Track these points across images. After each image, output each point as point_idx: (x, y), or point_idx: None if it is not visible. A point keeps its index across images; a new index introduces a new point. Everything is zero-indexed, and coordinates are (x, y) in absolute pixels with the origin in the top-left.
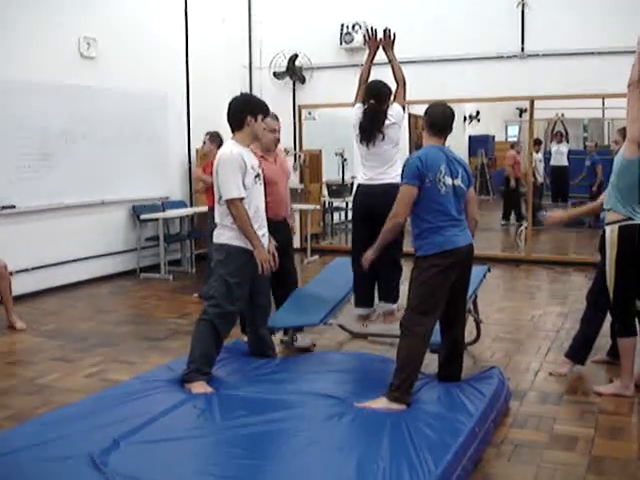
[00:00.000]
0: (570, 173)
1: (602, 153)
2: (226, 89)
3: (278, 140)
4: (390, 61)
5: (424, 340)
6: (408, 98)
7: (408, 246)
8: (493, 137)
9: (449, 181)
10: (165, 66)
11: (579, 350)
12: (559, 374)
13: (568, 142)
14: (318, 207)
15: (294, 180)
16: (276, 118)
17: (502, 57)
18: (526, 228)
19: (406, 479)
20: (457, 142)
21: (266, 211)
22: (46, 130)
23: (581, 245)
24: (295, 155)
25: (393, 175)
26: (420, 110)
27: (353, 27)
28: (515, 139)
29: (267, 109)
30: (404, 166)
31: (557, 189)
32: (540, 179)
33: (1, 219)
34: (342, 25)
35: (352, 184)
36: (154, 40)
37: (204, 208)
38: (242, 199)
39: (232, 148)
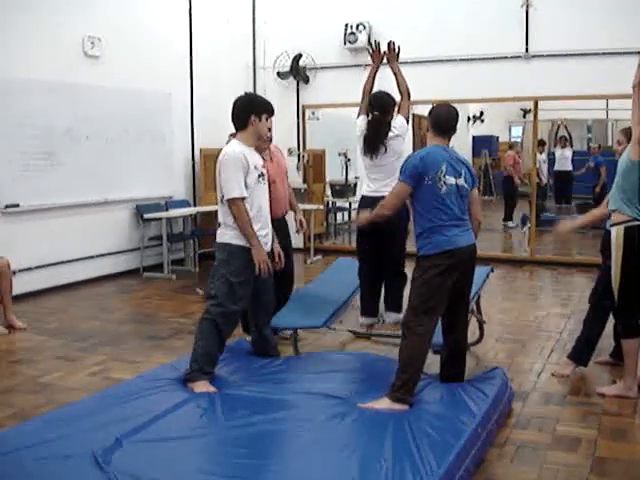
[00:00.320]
0: (574, 177)
1: (606, 154)
2: (230, 89)
3: (270, 139)
4: (394, 74)
5: (426, 340)
6: (412, 98)
7: (411, 247)
8: (497, 138)
9: (451, 180)
10: (169, 66)
11: (582, 351)
12: (562, 375)
13: (572, 146)
14: (321, 207)
15: (297, 180)
16: None
17: (506, 57)
18: (529, 229)
19: (409, 479)
20: (461, 143)
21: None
22: (50, 129)
23: (584, 246)
24: (299, 155)
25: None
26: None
27: (357, 27)
28: (519, 140)
29: (271, 109)
30: (404, 162)
31: (561, 193)
32: (544, 180)
33: (5, 218)
34: (346, 25)
35: (355, 184)
36: (158, 40)
37: (207, 207)
38: (243, 199)
39: (235, 147)
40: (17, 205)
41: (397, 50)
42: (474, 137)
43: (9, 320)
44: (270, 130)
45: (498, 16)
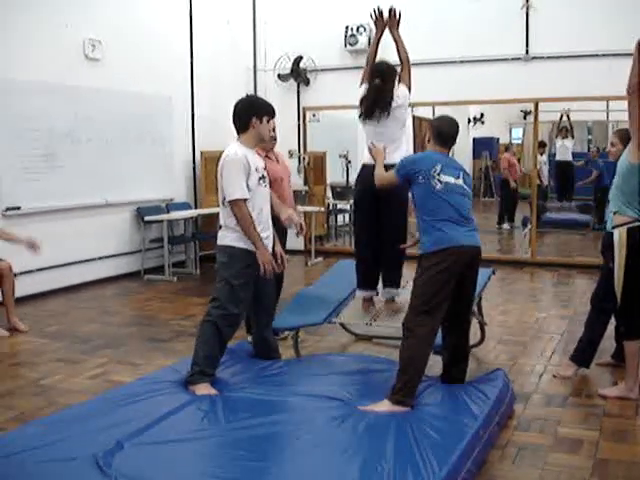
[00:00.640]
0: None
1: (604, 156)
2: (230, 91)
3: (275, 139)
4: (395, 40)
5: (427, 341)
6: (412, 100)
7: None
8: (497, 139)
9: (447, 179)
10: (170, 68)
11: (584, 353)
12: (563, 377)
13: (573, 137)
14: (322, 209)
15: (298, 182)
16: None
17: (506, 59)
18: (530, 230)
19: None
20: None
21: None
22: (51, 131)
23: (585, 247)
24: (299, 157)
25: (397, 157)
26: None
27: (357, 29)
28: (519, 141)
29: (273, 111)
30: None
31: (562, 187)
32: (545, 181)
33: (6, 220)
34: (346, 27)
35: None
36: (159, 42)
37: (208, 210)
38: (245, 200)
39: (236, 149)
40: (18, 208)
41: (398, 16)
42: (474, 139)
43: (12, 323)
44: (274, 130)
45: (498, 18)
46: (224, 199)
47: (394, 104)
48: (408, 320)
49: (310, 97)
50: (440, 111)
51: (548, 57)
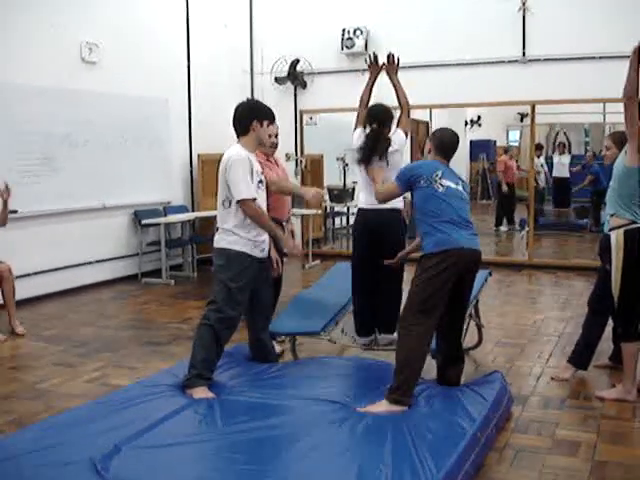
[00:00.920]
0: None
1: (600, 159)
2: (228, 94)
3: (276, 145)
4: (394, 86)
5: (423, 340)
6: (410, 103)
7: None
8: (494, 142)
9: (448, 184)
10: (167, 71)
11: (581, 355)
12: (561, 379)
13: (570, 152)
14: (319, 212)
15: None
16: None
17: (503, 62)
18: (527, 233)
19: None
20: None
21: (271, 211)
22: (48, 135)
23: (583, 250)
24: (296, 160)
25: (395, 201)
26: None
27: (354, 32)
28: (516, 144)
29: (273, 115)
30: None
31: (559, 199)
32: (542, 184)
33: None
34: (343, 30)
35: (353, 189)
36: (156, 45)
37: (206, 213)
38: (254, 200)
39: (239, 151)
40: (15, 211)
41: (396, 62)
42: (472, 141)
43: (13, 325)
44: (277, 136)
45: (495, 20)
46: (224, 200)
47: (391, 149)
48: (404, 319)
49: (307, 100)
50: (437, 113)
51: (545, 59)
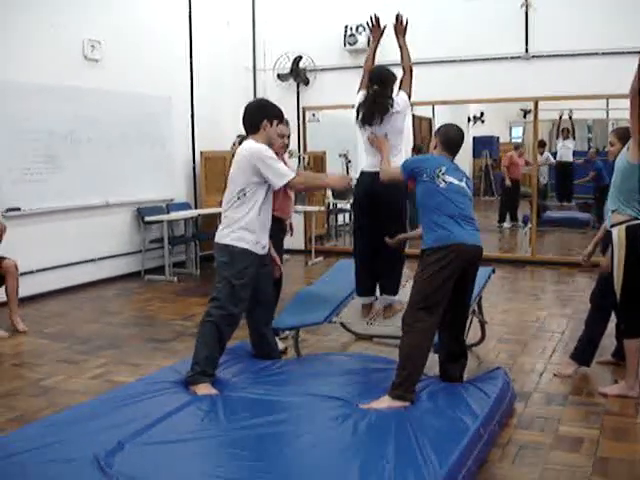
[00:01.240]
0: (575, 172)
1: (603, 154)
2: (230, 91)
3: (287, 146)
4: (400, 47)
5: (426, 336)
6: (412, 99)
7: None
8: (497, 138)
9: (451, 179)
10: (170, 69)
11: (584, 352)
12: (564, 375)
13: (574, 138)
14: (322, 209)
15: None
16: (287, 124)
17: (506, 58)
18: (530, 229)
19: None
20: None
21: (275, 210)
22: (51, 132)
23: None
24: (299, 157)
25: (396, 163)
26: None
27: (357, 29)
28: (519, 140)
29: (282, 115)
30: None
31: (562, 187)
32: (543, 180)
33: (6, 222)
34: (346, 27)
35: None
36: (158, 43)
37: (209, 210)
38: (295, 177)
39: (258, 143)
40: (18, 209)
41: (405, 23)
42: (474, 138)
43: (14, 322)
44: (288, 137)
45: (498, 17)
46: (240, 191)
47: (393, 110)
48: (407, 316)
49: (310, 97)
50: (440, 110)
51: (548, 56)
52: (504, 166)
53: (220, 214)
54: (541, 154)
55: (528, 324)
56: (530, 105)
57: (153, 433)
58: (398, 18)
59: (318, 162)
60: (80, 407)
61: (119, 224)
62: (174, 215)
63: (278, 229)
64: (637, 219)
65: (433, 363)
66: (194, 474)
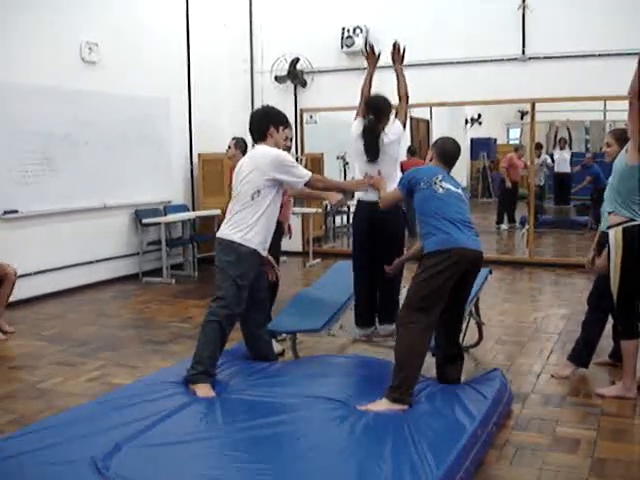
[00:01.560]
0: (573, 179)
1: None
2: (228, 93)
3: (289, 148)
4: (397, 75)
5: (421, 338)
6: (410, 101)
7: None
8: (495, 140)
9: (448, 186)
10: (167, 71)
11: (581, 353)
12: (561, 376)
13: (571, 148)
14: (320, 211)
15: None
16: (290, 127)
17: (503, 60)
18: (528, 230)
19: None
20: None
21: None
22: (49, 134)
23: (583, 247)
24: (297, 159)
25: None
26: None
27: (354, 31)
28: (517, 142)
29: (287, 120)
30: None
31: (560, 194)
32: (541, 182)
33: (4, 224)
34: (343, 29)
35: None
36: (156, 45)
37: (206, 212)
38: (312, 176)
39: (270, 147)
40: (16, 211)
41: (402, 51)
42: (472, 140)
43: (0, 325)
44: (291, 140)
45: (495, 19)
46: (254, 193)
47: (387, 140)
48: (403, 317)
49: (307, 99)
50: (437, 111)
51: (545, 57)
52: (503, 167)
53: (217, 215)
54: (538, 156)
55: (525, 325)
56: (527, 107)
57: (150, 435)
58: (395, 46)
59: (316, 164)
60: (78, 409)
61: (117, 226)
62: (172, 217)
63: (276, 232)
64: (633, 220)
65: (430, 365)
66: (192, 476)
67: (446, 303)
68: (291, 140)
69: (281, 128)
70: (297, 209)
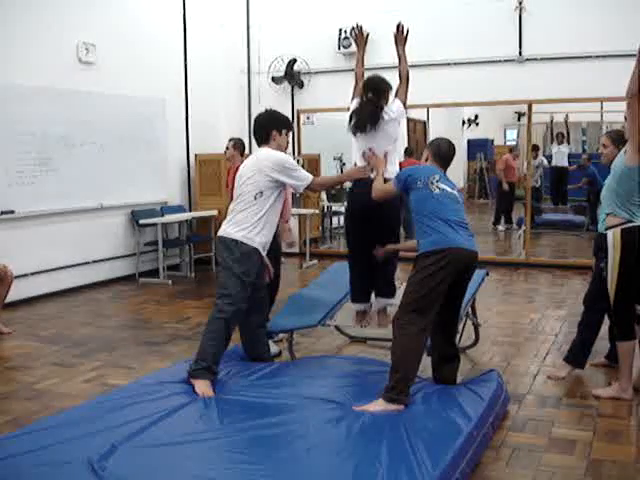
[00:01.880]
0: (570, 177)
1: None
2: (225, 94)
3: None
4: (399, 56)
5: (418, 339)
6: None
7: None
8: (492, 141)
9: (444, 187)
10: (164, 71)
11: (578, 354)
12: (558, 378)
13: (569, 143)
14: (317, 211)
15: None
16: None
17: (500, 61)
18: (524, 232)
19: None
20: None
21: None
22: (45, 135)
23: (580, 249)
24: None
25: (390, 172)
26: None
27: (351, 32)
28: (514, 143)
29: (290, 124)
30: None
31: (557, 191)
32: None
33: (0, 224)
34: (340, 30)
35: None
36: (153, 46)
37: (203, 213)
38: (314, 179)
39: (274, 150)
40: (12, 212)
41: (405, 33)
42: (469, 141)
43: None
44: (288, 142)
45: (491, 20)
46: (257, 193)
47: (387, 117)
48: (399, 318)
49: (304, 99)
50: (434, 113)
51: (541, 59)
52: (500, 170)
53: (214, 216)
54: (535, 158)
55: (522, 326)
56: (524, 108)
57: (147, 436)
58: (399, 28)
59: (313, 165)
60: (74, 410)
61: (113, 227)
62: (168, 218)
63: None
64: (631, 222)
65: (427, 365)
66: (188, 477)
67: (442, 304)
68: (288, 142)
69: (284, 132)
70: (294, 210)
